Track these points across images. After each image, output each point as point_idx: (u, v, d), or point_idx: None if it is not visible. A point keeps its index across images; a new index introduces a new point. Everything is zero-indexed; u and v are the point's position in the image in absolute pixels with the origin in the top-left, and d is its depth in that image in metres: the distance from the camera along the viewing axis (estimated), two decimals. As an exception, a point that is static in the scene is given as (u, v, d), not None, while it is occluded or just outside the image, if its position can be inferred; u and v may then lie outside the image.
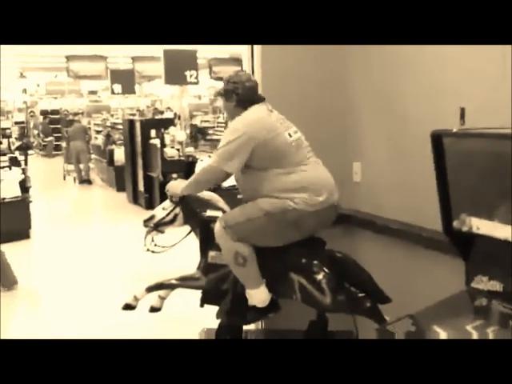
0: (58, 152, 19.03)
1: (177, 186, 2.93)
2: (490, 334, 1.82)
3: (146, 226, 2.98)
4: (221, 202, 2.98)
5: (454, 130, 1.93)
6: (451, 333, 1.85)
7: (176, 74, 10.48)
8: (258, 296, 2.75)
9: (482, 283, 1.96)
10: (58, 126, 20.99)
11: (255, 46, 3.28)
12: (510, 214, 1.77)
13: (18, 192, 7.53)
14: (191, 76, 10.58)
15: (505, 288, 1.88)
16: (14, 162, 8.70)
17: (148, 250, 2.98)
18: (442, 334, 1.86)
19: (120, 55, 15.42)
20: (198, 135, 16.48)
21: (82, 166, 13.27)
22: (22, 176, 7.94)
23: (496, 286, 1.91)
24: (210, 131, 19.23)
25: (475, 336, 1.82)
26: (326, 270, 2.69)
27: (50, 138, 18.22)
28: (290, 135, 2.70)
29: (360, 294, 2.68)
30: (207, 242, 2.86)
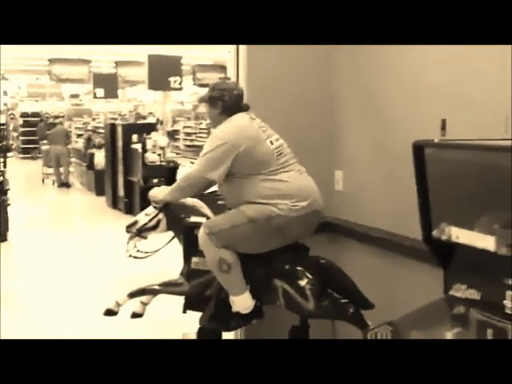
0: (38, 155, 18.87)
1: (159, 192, 2.93)
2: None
3: (128, 231, 2.97)
4: (205, 208, 2.99)
5: (436, 141, 1.98)
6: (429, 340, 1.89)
7: (160, 79, 10.49)
8: (242, 303, 2.76)
9: (461, 291, 2.00)
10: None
11: (241, 51, 3.29)
12: (490, 223, 1.82)
13: (-5, 194, 7.46)
14: (175, 82, 10.59)
15: (483, 296, 1.91)
16: (-7, 165, 8.61)
17: (130, 255, 2.98)
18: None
19: (103, 59, 15.35)
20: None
21: (61, 169, 13.17)
22: (1, 178, 7.86)
23: (474, 294, 1.94)
24: (193, 137, 19.22)
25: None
26: (310, 276, 2.71)
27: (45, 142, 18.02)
28: (271, 143, 2.72)
29: (343, 300, 2.71)
30: (190, 248, 2.87)
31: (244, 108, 2.83)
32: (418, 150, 2.00)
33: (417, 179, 2.04)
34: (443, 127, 2.22)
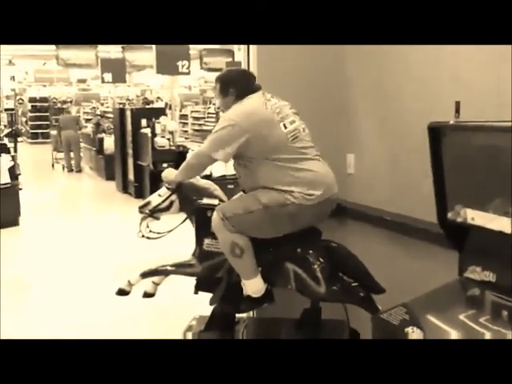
0: (46, 140, 18.94)
1: (172, 172, 2.95)
2: (483, 323, 1.85)
3: (141, 212, 2.98)
4: (218, 191, 2.99)
5: (452, 122, 1.96)
6: (444, 322, 1.89)
7: (168, 63, 10.44)
8: (253, 286, 2.77)
9: (476, 273, 2.00)
10: (47, 114, 20.88)
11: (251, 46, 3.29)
12: (505, 205, 1.81)
13: (7, 179, 7.49)
14: (183, 66, 10.54)
15: (498, 278, 1.91)
16: (3, 149, 8.64)
17: (143, 236, 2.99)
18: (436, 323, 1.90)
19: (110, 44, 15.31)
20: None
21: (72, 155, 13.22)
22: (12, 163, 7.90)
23: (489, 276, 1.95)
24: (201, 121, 19.19)
25: (469, 325, 1.85)
26: (321, 259, 2.71)
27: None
28: (285, 126, 2.67)
29: (354, 284, 2.71)
30: (203, 230, 2.87)
31: (255, 89, 2.79)
32: (434, 131, 1.98)
33: (432, 161, 2.02)
34: (457, 110, 2.20)
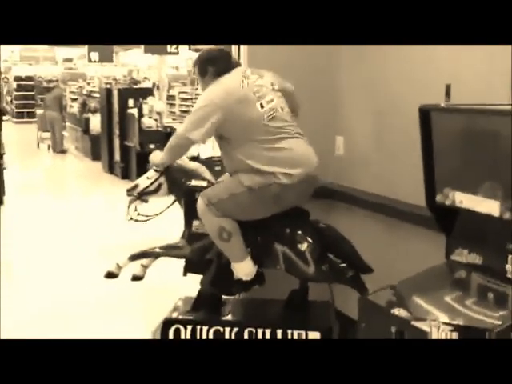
0: (32, 119, 18.73)
1: (158, 155, 2.93)
2: (469, 305, 1.87)
3: (129, 195, 2.97)
4: (206, 173, 2.98)
5: (442, 105, 1.96)
6: (431, 304, 1.91)
7: (156, 43, 10.34)
8: (244, 269, 2.78)
9: (463, 256, 2.02)
10: (32, 93, 20.60)
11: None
12: (494, 189, 1.82)
13: (-8, 158, 7.40)
14: (171, 46, 10.44)
15: (484, 261, 1.94)
16: (-12, 128, 8.51)
17: (131, 218, 2.98)
18: (422, 305, 1.92)
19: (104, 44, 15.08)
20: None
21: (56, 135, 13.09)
22: (-3, 142, 7.78)
23: (476, 259, 1.97)
24: (189, 102, 19.05)
25: (454, 307, 1.87)
26: (310, 240, 2.73)
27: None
28: (261, 106, 2.65)
29: (342, 264, 2.73)
30: (191, 212, 2.86)
31: (234, 65, 2.78)
32: (425, 114, 1.99)
33: (422, 144, 2.03)
34: (447, 93, 2.19)
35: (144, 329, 3.19)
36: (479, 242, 1.96)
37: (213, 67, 2.75)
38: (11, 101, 21.34)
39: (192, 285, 3.04)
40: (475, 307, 1.84)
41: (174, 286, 3.44)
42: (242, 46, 3.30)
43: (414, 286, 2.04)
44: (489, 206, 1.81)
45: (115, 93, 9.87)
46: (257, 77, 2.73)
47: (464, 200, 1.92)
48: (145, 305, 4.06)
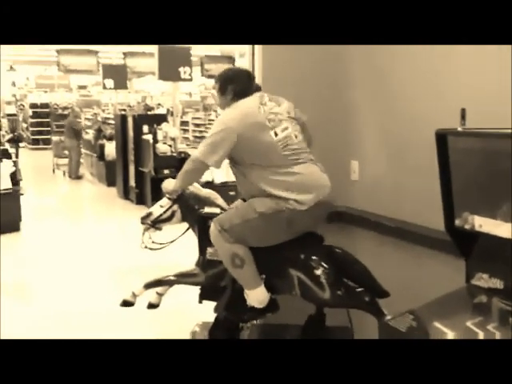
0: (47, 146, 18.97)
1: (171, 182, 2.94)
2: (491, 330, 1.84)
3: (143, 223, 2.98)
4: (219, 199, 2.99)
5: (459, 129, 1.96)
6: (452, 329, 1.88)
7: (170, 70, 10.45)
8: (257, 297, 2.75)
9: (483, 280, 1.99)
10: (48, 120, 20.89)
11: (256, 47, 3.29)
12: (512, 212, 1.80)
13: (9, 184, 7.49)
14: (185, 72, 10.55)
15: (505, 285, 1.90)
16: (5, 155, 8.65)
17: (146, 247, 2.99)
18: (444, 330, 1.89)
19: (111, 50, 15.34)
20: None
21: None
22: (13, 168, 7.90)
23: (496, 283, 1.93)
24: (202, 128, 19.22)
25: (476, 332, 1.84)
26: (325, 265, 2.70)
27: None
28: (276, 134, 2.65)
29: (358, 289, 2.70)
30: (206, 239, 2.86)
31: (255, 89, 2.80)
32: (441, 138, 1.98)
33: (440, 168, 2.02)
34: (463, 116, 2.19)
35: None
36: (499, 267, 1.93)
37: (232, 85, 2.77)
38: (27, 128, 21.64)
39: (209, 309, 3.02)
40: (497, 332, 1.81)
41: (191, 311, 3.42)
42: (256, 65, 3.33)
43: (434, 311, 2.01)
44: (508, 230, 1.79)
45: (130, 119, 9.98)
46: (274, 104, 2.75)
47: (483, 224, 1.90)
48: (160, 330, 4.04)
